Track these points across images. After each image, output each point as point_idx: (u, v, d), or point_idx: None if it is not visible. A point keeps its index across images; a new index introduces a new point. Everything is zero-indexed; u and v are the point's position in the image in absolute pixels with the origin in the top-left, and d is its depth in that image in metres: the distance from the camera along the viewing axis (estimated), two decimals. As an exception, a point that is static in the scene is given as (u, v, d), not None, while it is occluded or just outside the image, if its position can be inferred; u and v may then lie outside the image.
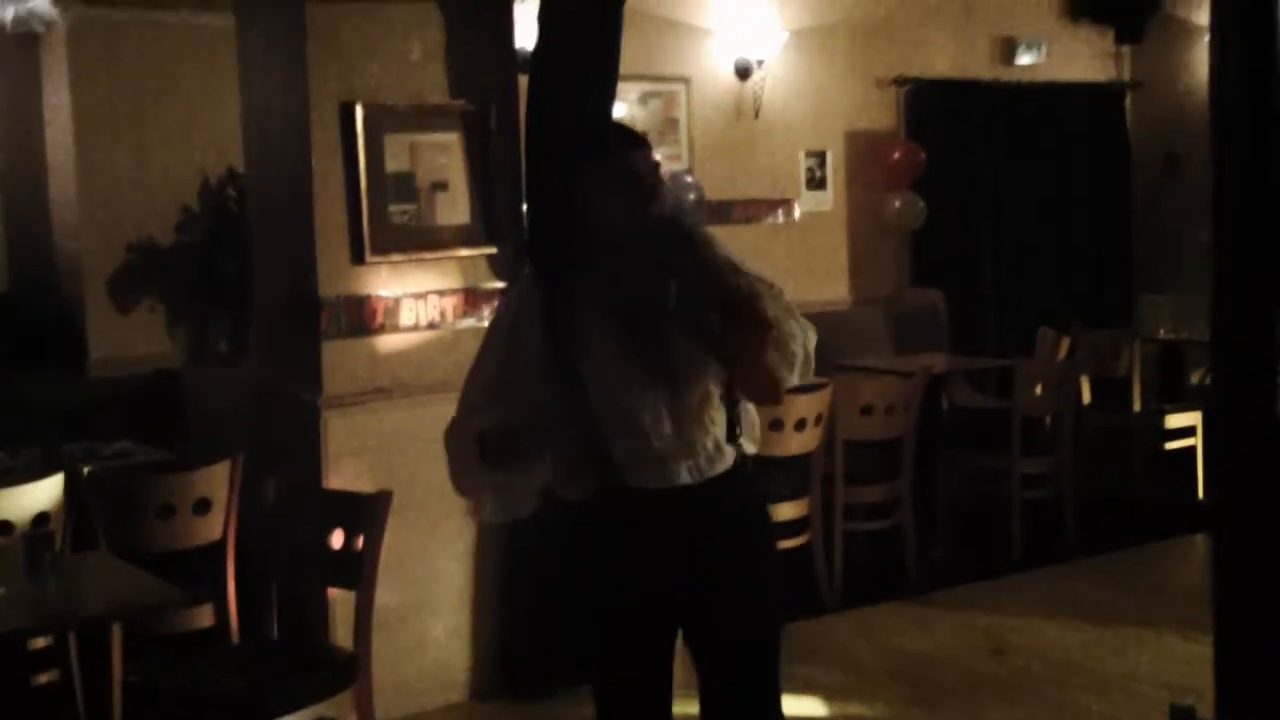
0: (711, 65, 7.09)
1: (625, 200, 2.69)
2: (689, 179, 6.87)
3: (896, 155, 7.56)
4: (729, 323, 2.62)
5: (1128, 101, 8.44)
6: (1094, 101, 8.32)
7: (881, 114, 7.69)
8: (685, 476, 2.76)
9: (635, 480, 2.75)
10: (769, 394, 2.84)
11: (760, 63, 7.13)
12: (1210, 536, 3.13)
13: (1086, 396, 7.21)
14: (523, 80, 4.82)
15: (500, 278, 4.81)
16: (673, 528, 2.78)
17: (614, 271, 2.74)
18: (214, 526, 4.28)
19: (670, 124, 6.99)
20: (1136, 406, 7.35)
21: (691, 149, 7.00)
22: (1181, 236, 7.65)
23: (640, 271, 2.69)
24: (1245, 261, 3.16)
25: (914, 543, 6.02)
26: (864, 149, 7.60)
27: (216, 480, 4.28)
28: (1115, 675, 4.87)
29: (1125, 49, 8.45)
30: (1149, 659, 4.95)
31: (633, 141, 2.77)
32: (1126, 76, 8.46)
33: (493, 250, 4.80)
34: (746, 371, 2.73)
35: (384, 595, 3.96)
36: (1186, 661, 4.69)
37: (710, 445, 2.79)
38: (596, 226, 2.73)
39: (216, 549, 4.31)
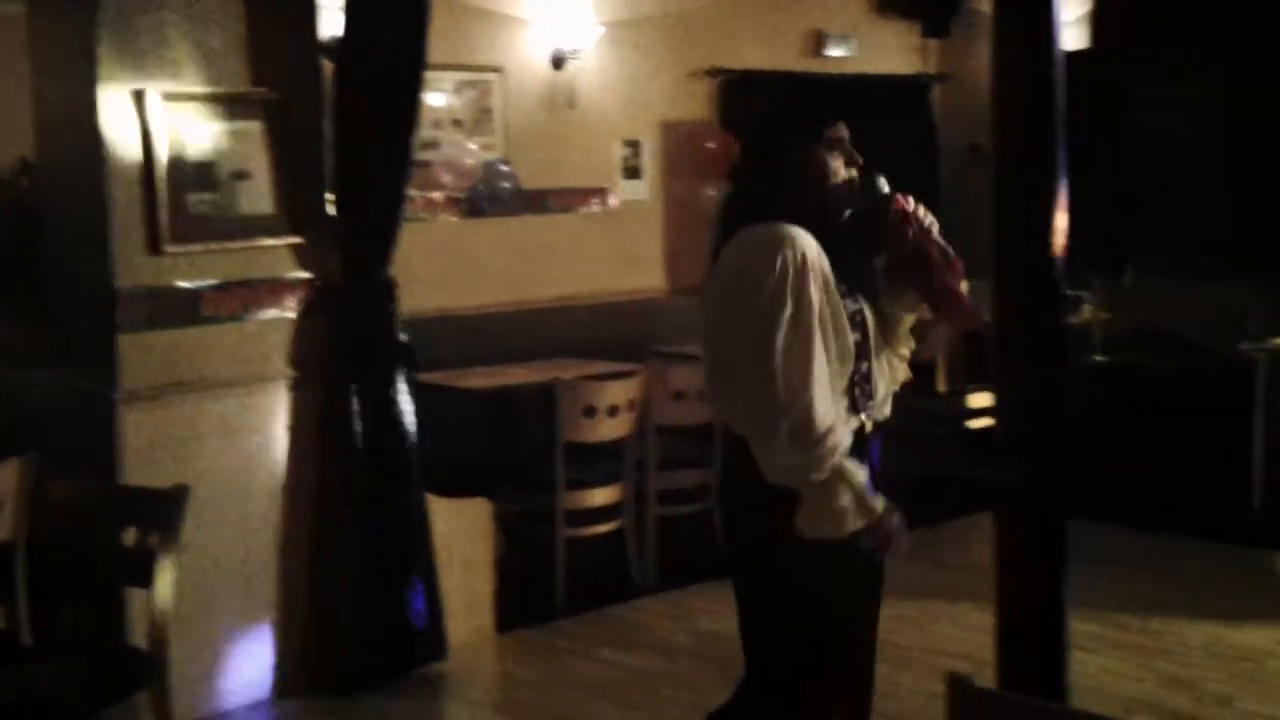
0: (526, 55, 7.08)
1: (836, 164, 3.05)
2: (505, 168, 6.87)
3: (711, 145, 7.65)
4: (945, 265, 3.07)
5: (934, 94, 8.67)
6: (902, 94, 8.53)
7: (696, 104, 7.78)
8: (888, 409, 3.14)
9: (871, 410, 3.05)
10: (975, 320, 3.25)
11: (575, 53, 7.15)
12: (995, 513, 3.25)
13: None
14: (328, 68, 4.79)
15: (305, 268, 4.76)
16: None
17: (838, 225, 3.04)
18: (3, 527, 4.15)
19: (485, 113, 6.96)
20: (941, 388, 7.58)
21: (507, 138, 6.99)
22: (985, 225, 7.87)
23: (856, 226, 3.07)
24: (1025, 249, 3.28)
25: (727, 526, 6.11)
26: (680, 138, 7.68)
27: (5, 479, 4.14)
28: (918, 649, 5.03)
29: (932, 43, 8.68)
30: (950, 632, 5.13)
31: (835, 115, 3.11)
32: (933, 70, 8.69)
33: (297, 240, 4.75)
34: (954, 305, 3.11)
35: (183, 593, 3.89)
36: (985, 633, 4.83)
37: None
38: (817, 186, 3.03)
39: (6, 550, 4.17)
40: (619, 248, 7.41)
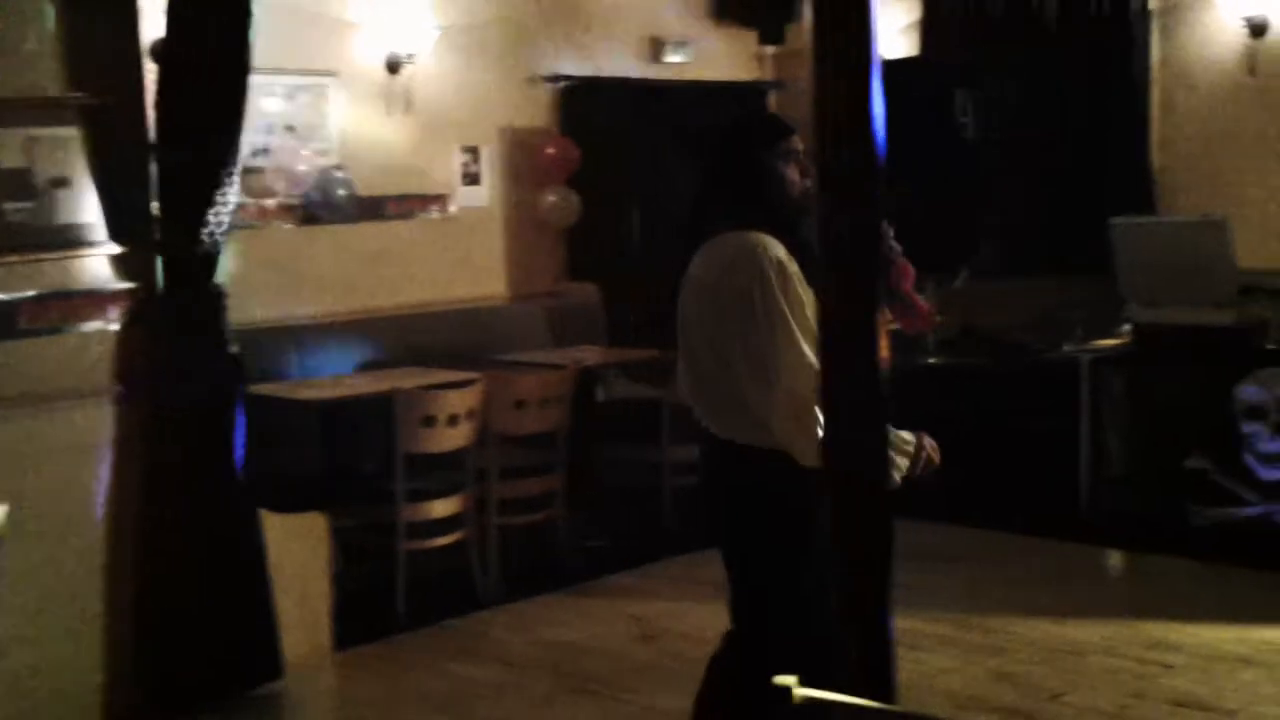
0: (360, 59, 6.97)
1: (792, 174, 3.23)
2: (340, 174, 6.75)
3: (551, 151, 7.62)
4: (902, 270, 3.25)
5: (772, 100, 8.77)
6: (740, 100, 8.60)
7: (536, 110, 7.74)
8: None
9: None
10: (930, 320, 3.44)
11: (411, 57, 7.07)
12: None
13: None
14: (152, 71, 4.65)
15: (129, 278, 4.61)
16: None
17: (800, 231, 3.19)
18: None
19: (319, 119, 6.84)
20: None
21: (342, 144, 6.87)
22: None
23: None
24: (848, 257, 3.31)
25: (570, 535, 6.10)
26: (519, 145, 7.63)
27: None
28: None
29: (769, 50, 8.78)
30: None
31: (790, 128, 3.32)
32: (770, 76, 8.79)
33: (120, 249, 4.60)
34: (911, 306, 3.31)
35: (4, 616, 3.74)
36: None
37: None
38: (777, 194, 3.23)
39: None
40: (459, 255, 7.34)
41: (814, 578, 3.21)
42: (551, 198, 7.60)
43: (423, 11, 7.11)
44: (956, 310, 7.68)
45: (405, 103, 7.09)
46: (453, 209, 7.30)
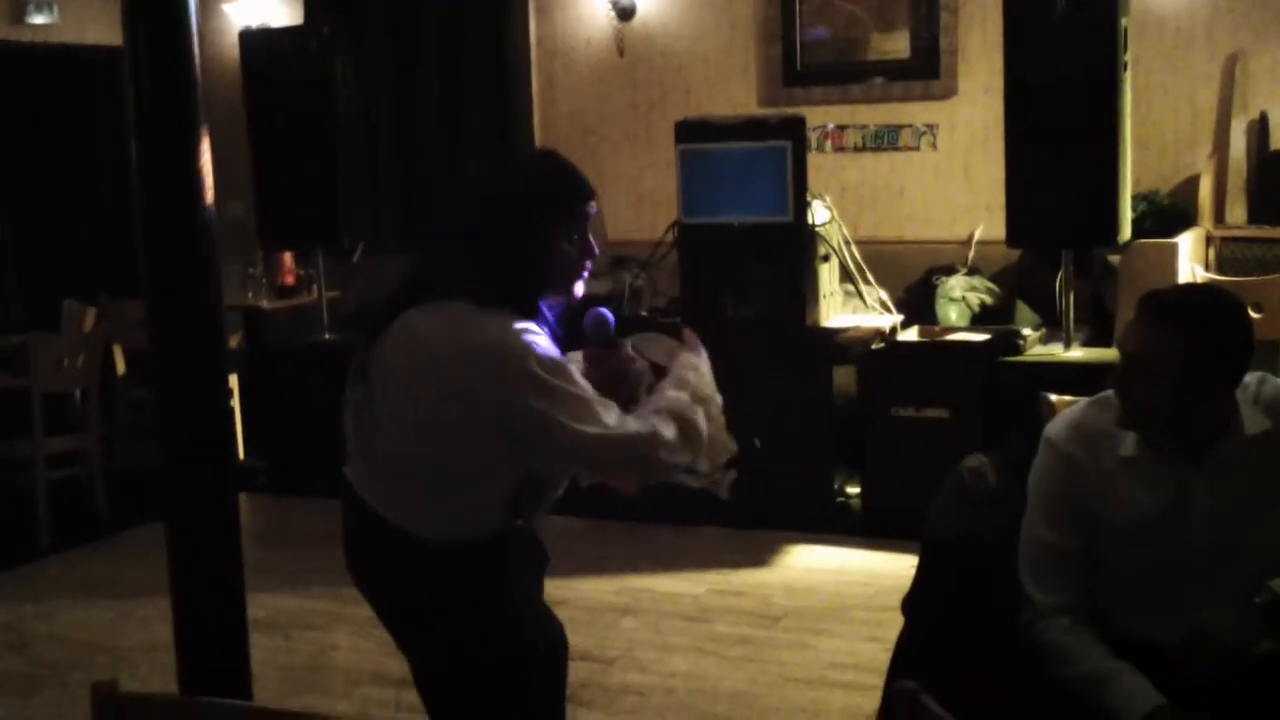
0: None
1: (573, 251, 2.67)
2: None
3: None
4: (637, 376, 2.76)
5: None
6: (113, 64, 8.09)
7: None
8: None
9: (538, 520, 2.78)
10: None
11: None
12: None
13: (122, 368, 7.03)
14: None
15: None
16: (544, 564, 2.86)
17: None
18: None
19: None
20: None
21: None
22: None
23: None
24: (171, 234, 3.18)
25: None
26: None
27: None
28: (139, 649, 4.81)
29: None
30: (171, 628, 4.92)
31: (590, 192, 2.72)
32: (148, 42, 8.33)
33: None
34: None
35: None
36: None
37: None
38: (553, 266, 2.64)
39: None
40: None
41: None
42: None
43: None
44: (352, 285, 7.63)
45: None
46: None
